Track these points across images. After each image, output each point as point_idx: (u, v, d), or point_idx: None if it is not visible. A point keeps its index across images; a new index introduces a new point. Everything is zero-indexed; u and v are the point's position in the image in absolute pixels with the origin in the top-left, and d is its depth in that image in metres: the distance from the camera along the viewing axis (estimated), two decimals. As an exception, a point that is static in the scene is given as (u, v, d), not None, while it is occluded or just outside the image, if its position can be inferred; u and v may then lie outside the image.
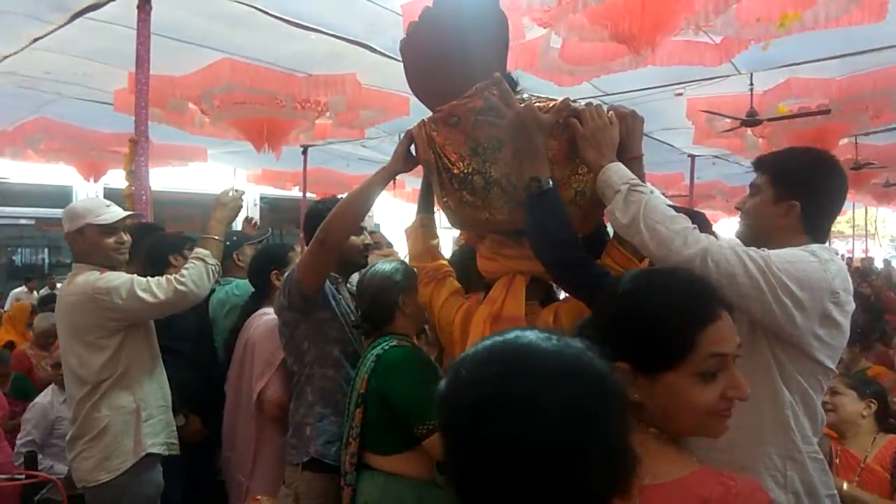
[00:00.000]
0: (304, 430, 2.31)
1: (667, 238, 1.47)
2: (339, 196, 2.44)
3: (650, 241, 1.49)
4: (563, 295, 1.89)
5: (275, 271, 2.71)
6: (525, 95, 1.79)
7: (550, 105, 1.72)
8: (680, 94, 4.86)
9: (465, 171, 1.78)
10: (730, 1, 3.06)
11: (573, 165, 1.70)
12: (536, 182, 1.61)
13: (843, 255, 16.08)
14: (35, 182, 8.12)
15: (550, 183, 1.61)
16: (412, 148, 1.99)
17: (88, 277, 2.40)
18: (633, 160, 1.68)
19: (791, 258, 1.44)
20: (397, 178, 2.10)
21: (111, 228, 2.46)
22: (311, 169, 6.92)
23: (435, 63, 1.89)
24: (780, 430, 1.45)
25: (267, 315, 2.63)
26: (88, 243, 2.45)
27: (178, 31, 3.68)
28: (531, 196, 1.62)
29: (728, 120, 4.97)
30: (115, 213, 2.48)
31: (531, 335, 0.79)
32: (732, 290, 1.35)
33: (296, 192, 7.92)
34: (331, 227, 2.06)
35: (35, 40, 3.88)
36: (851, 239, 17.01)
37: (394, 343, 2.08)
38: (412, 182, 6.78)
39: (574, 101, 1.74)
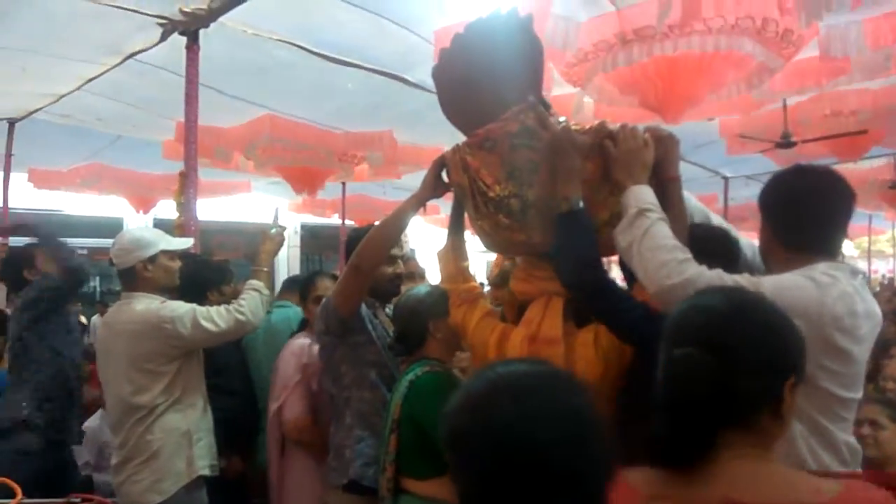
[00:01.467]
0: (343, 452, 2.37)
1: (653, 268, 1.47)
2: (376, 223, 2.55)
3: (639, 268, 1.51)
4: None
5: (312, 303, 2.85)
6: (561, 119, 1.81)
7: (587, 127, 1.74)
8: (712, 120, 4.87)
9: (502, 194, 1.78)
10: (763, 77, 3.10)
11: (609, 187, 1.70)
12: (566, 202, 1.62)
13: (883, 275, 15.62)
14: (88, 214, 8.47)
15: (580, 204, 1.62)
16: (444, 173, 2.03)
17: (150, 306, 2.50)
18: (670, 181, 1.67)
19: (785, 285, 1.38)
20: (430, 203, 2.16)
21: (177, 254, 2.67)
22: (350, 196, 7.12)
23: (468, 88, 1.92)
24: (794, 464, 1.37)
25: (297, 340, 2.76)
26: (160, 269, 2.59)
27: (224, 86, 3.89)
28: (560, 216, 1.63)
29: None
30: (181, 240, 2.76)
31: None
32: None
33: (335, 220, 8.12)
34: (363, 253, 2.14)
35: (89, 80, 4.11)
36: (893, 258, 16.48)
37: (426, 368, 2.12)
38: (446, 207, 6.92)
39: None
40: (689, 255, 1.48)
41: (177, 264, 2.67)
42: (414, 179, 6.28)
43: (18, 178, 6.09)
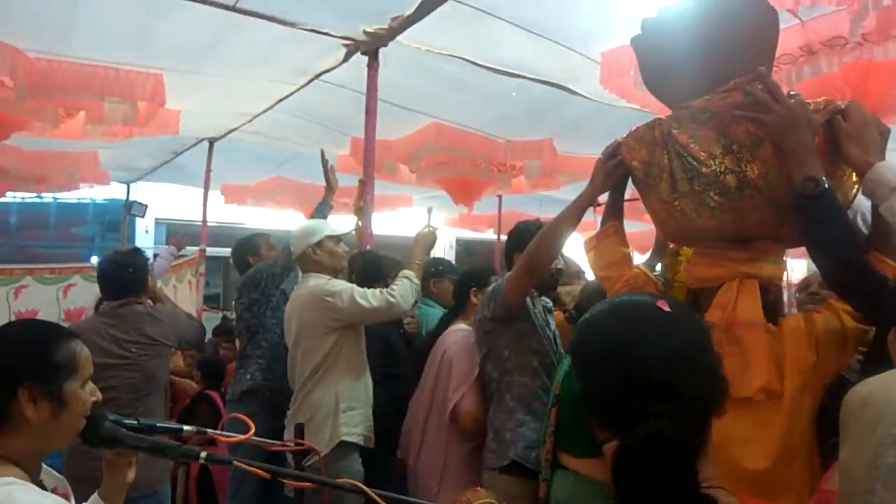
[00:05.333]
0: (503, 434, 2.49)
1: None
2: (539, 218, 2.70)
3: None
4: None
5: (474, 289, 2.98)
6: (792, 92, 1.70)
7: (820, 102, 1.66)
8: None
9: (718, 170, 1.67)
10: None
11: (830, 168, 1.62)
12: (813, 182, 1.53)
13: None
14: (268, 227, 9.28)
15: (827, 183, 1.54)
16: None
17: (318, 281, 2.87)
18: None
19: None
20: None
21: (340, 238, 3.02)
22: (505, 212, 7.30)
23: (681, 58, 1.82)
24: None
25: (462, 331, 2.89)
26: (325, 252, 2.94)
27: (396, 98, 4.20)
28: (808, 196, 1.54)
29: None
30: (343, 226, 3.12)
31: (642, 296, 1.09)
32: None
33: (489, 235, 8.34)
34: (537, 254, 2.24)
35: (280, 100, 4.60)
36: None
37: None
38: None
39: None
40: None
41: (341, 248, 3.02)
42: (572, 192, 6.35)
43: (211, 195, 6.84)
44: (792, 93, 1.68)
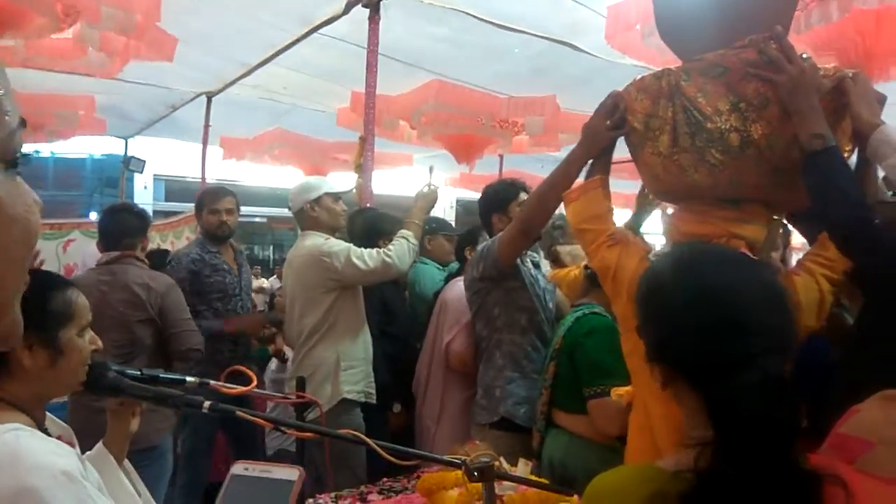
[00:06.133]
0: (493, 391, 2.52)
1: None
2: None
3: None
4: None
5: (468, 248, 3.07)
6: (804, 55, 1.65)
7: (830, 67, 1.68)
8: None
9: (723, 127, 1.64)
10: None
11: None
12: (820, 138, 1.54)
13: None
14: (265, 185, 9.26)
15: (833, 140, 1.55)
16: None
17: (316, 241, 2.83)
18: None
19: None
20: None
21: (340, 196, 2.98)
22: (506, 172, 7.24)
23: (698, 10, 1.79)
24: None
25: (461, 281, 2.92)
26: (324, 209, 2.91)
27: (397, 53, 4.12)
28: (814, 153, 1.54)
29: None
30: (343, 184, 3.10)
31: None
32: None
33: (491, 196, 8.28)
34: (533, 218, 2.24)
35: (277, 53, 4.51)
36: None
37: (596, 310, 2.23)
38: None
39: None
40: None
41: (340, 207, 2.97)
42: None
43: (210, 150, 6.78)
44: (804, 56, 1.65)
